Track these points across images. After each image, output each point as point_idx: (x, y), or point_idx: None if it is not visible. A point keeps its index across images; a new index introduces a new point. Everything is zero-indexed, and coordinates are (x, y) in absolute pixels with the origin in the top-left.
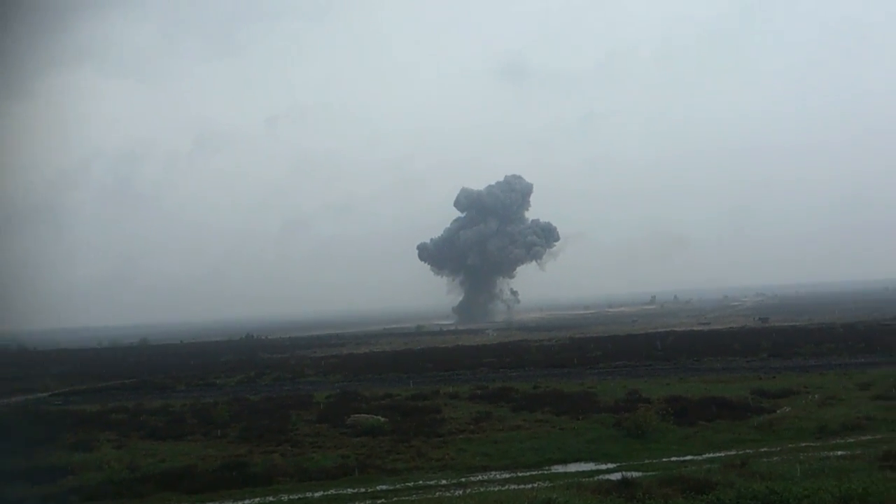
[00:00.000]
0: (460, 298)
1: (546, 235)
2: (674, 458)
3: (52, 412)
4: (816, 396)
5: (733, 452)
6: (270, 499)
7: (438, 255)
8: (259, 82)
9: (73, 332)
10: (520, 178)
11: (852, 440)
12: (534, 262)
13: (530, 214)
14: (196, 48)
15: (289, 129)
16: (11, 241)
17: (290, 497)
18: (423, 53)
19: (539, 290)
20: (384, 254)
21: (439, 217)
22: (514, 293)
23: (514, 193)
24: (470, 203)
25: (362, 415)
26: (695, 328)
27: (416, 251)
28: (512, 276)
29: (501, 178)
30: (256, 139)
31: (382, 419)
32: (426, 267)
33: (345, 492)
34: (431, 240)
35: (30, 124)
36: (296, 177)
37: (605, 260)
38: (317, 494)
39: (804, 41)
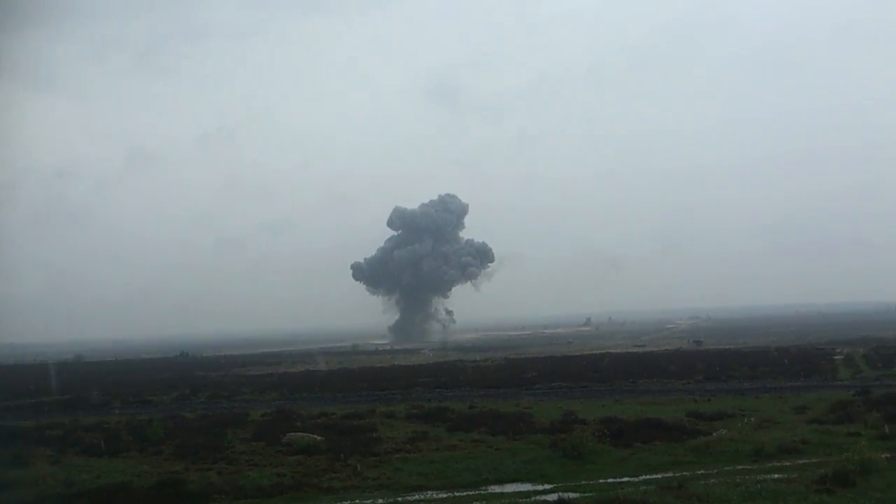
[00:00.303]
0: (396, 318)
1: (481, 256)
2: (610, 480)
3: None
4: (752, 419)
5: (670, 474)
6: None
7: (372, 274)
8: (189, 100)
9: (4, 348)
10: (455, 197)
11: (788, 463)
12: (469, 283)
13: (465, 234)
14: (126, 65)
15: (220, 148)
16: None
17: None
18: (355, 72)
19: (474, 311)
20: (319, 272)
21: (373, 235)
22: (449, 313)
23: (448, 214)
24: (403, 222)
25: (298, 433)
26: (630, 350)
27: (351, 271)
28: (447, 296)
29: (435, 197)
30: (188, 157)
31: (318, 438)
32: (362, 286)
33: None
34: (365, 259)
35: None
36: (228, 195)
37: (540, 280)
38: None
39: (733, 62)
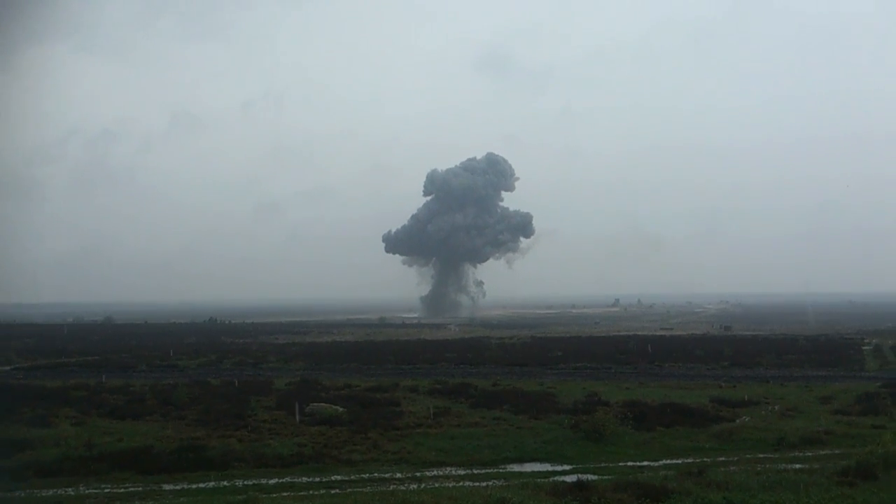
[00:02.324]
0: (429, 290)
1: (522, 229)
2: (630, 463)
3: (13, 386)
4: (777, 408)
5: (690, 460)
6: (225, 483)
7: (404, 244)
8: (237, 65)
9: (38, 307)
10: (501, 159)
11: (811, 454)
12: (502, 260)
13: (509, 201)
14: (174, 28)
15: (264, 114)
16: None
17: (245, 482)
18: (402, 41)
19: (504, 286)
20: (357, 242)
21: (412, 206)
22: (479, 284)
23: (492, 176)
24: (437, 187)
25: (321, 403)
26: (657, 333)
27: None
28: (482, 262)
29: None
30: (232, 122)
31: (341, 409)
32: (397, 258)
33: (300, 480)
34: (396, 229)
35: (4, 98)
36: (270, 162)
37: (572, 258)
38: (272, 481)
39: (785, 43)
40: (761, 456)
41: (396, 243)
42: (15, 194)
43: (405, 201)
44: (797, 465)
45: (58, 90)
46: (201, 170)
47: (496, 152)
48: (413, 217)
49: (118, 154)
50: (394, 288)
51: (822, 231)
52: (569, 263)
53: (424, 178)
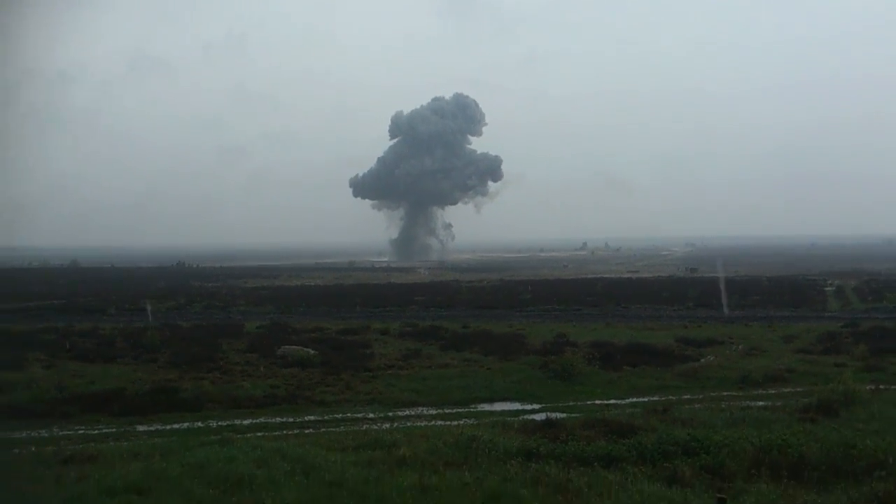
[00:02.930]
0: (398, 233)
1: (491, 173)
2: (598, 402)
3: None
4: (740, 347)
5: (656, 398)
6: (199, 424)
7: (372, 188)
8: (195, 9)
9: (3, 251)
10: (470, 99)
11: (774, 391)
12: (471, 204)
13: (476, 145)
14: None
15: (226, 57)
16: None
17: (220, 423)
18: None
19: (473, 231)
20: (324, 187)
21: (378, 150)
22: (448, 227)
23: (457, 119)
24: (402, 129)
25: (293, 346)
26: (624, 276)
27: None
28: (451, 205)
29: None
30: (194, 65)
31: (312, 352)
32: (366, 202)
33: (273, 420)
34: (363, 173)
35: None
36: (233, 104)
37: (540, 202)
38: (246, 422)
39: None
40: (725, 394)
41: (364, 187)
42: None
43: (371, 145)
44: (760, 403)
45: (10, 32)
46: (163, 114)
47: (466, 92)
48: (380, 160)
49: (76, 98)
50: (362, 232)
51: (786, 175)
52: (537, 208)
53: (388, 123)
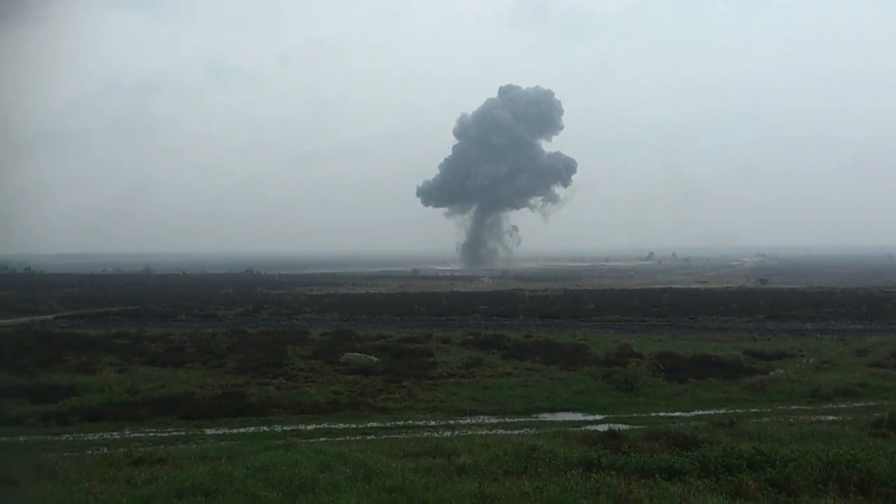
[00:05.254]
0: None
1: (565, 173)
2: (662, 414)
3: (57, 334)
4: (811, 360)
5: (723, 411)
6: (265, 428)
7: (441, 192)
8: (273, 19)
9: (78, 258)
10: (550, 94)
11: (844, 406)
12: (538, 212)
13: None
14: None
15: (300, 68)
16: (20, 167)
17: (284, 428)
18: None
19: (538, 240)
20: (395, 195)
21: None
22: (514, 230)
23: (530, 117)
24: (467, 130)
25: (356, 353)
26: (692, 286)
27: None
28: (520, 207)
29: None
30: (268, 76)
31: (375, 359)
32: (435, 211)
33: (336, 426)
34: (427, 181)
35: (39, 51)
36: (305, 115)
37: (608, 209)
38: (310, 427)
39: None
40: (794, 408)
41: (432, 194)
42: (54, 146)
43: (438, 156)
44: (830, 417)
45: (93, 44)
46: (237, 122)
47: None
48: (446, 161)
49: (155, 107)
50: (429, 242)
51: (859, 186)
52: (604, 215)
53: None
